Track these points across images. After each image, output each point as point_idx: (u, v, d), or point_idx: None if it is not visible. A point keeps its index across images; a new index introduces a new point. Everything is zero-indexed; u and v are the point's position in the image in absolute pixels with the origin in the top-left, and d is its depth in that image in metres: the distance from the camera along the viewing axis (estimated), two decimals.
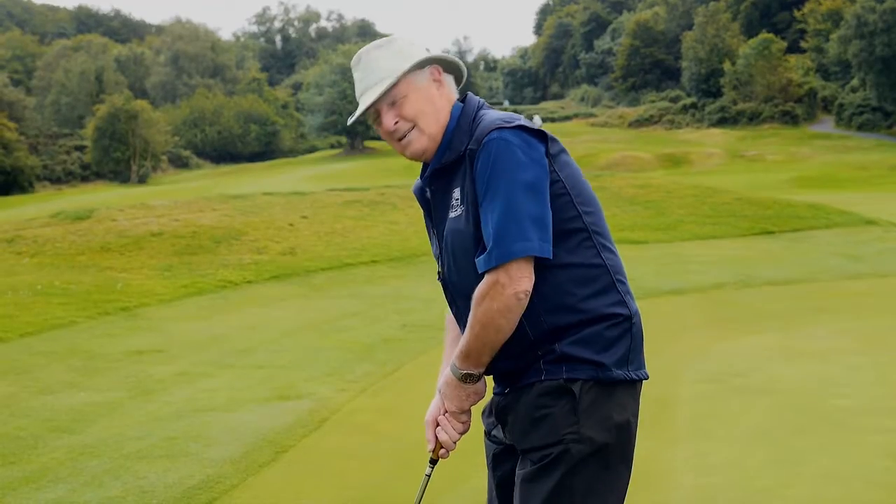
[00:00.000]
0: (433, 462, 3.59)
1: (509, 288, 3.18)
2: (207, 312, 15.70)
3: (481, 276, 3.25)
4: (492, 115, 3.42)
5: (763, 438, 7.50)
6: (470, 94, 3.57)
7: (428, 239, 3.80)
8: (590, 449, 3.23)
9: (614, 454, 3.30)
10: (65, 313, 14.77)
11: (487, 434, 3.66)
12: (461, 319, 3.55)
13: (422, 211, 3.77)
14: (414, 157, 3.49)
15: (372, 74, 3.42)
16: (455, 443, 3.54)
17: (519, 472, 3.38)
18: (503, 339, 3.27)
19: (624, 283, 3.44)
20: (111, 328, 14.22)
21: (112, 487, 6.98)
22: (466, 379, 3.37)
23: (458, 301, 3.51)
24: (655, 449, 7.17)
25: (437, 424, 3.56)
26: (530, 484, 3.30)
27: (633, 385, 3.41)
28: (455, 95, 3.56)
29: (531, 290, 3.23)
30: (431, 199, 3.53)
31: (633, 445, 3.40)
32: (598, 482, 3.28)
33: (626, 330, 3.37)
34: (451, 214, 3.40)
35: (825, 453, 7.01)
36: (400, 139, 3.45)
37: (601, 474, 3.29)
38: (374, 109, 3.44)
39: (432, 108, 3.45)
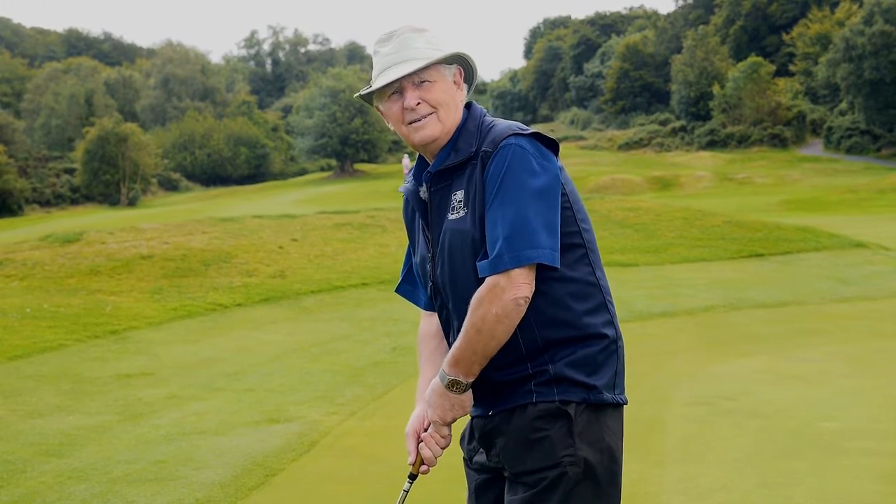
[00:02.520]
0: (412, 477, 3.54)
1: (509, 292, 3.18)
2: (197, 335, 15.67)
3: (479, 280, 3.25)
4: (504, 122, 3.45)
5: (752, 461, 7.50)
6: (474, 102, 3.60)
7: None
8: (584, 471, 3.24)
9: (606, 477, 3.31)
10: (54, 336, 14.73)
11: (468, 461, 3.62)
12: (448, 325, 3.55)
13: (403, 216, 3.77)
14: (421, 142, 3.46)
15: (405, 51, 3.41)
16: (437, 458, 3.52)
17: (510, 499, 3.36)
18: (497, 347, 3.26)
19: (612, 305, 3.47)
20: (100, 351, 14.19)
21: None
22: (453, 386, 3.33)
23: (450, 304, 3.48)
24: (645, 471, 7.17)
25: (420, 439, 3.53)
26: None
27: (619, 409, 3.43)
28: (465, 102, 3.58)
29: (530, 298, 3.23)
30: (429, 199, 3.50)
31: (621, 468, 3.41)
32: None
33: (613, 353, 3.39)
34: (451, 216, 3.39)
35: (815, 477, 7.01)
36: (412, 122, 3.43)
37: (595, 498, 3.29)
38: (398, 85, 3.42)
39: (453, 102, 3.47)
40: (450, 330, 3.54)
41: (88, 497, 7.28)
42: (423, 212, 3.56)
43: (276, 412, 10.09)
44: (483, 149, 3.34)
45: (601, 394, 3.32)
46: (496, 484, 3.49)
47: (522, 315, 3.24)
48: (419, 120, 3.42)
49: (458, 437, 3.68)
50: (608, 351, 3.37)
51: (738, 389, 10.26)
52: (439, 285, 3.50)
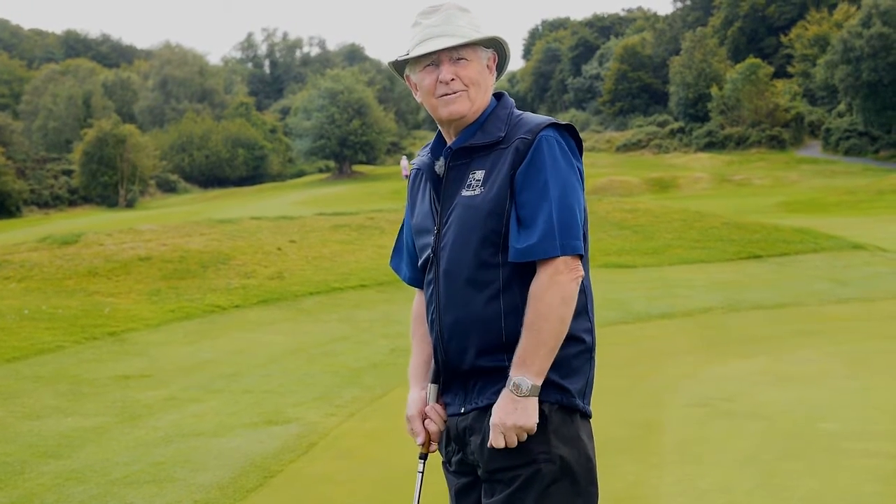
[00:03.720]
0: (423, 457, 3.55)
1: (569, 274, 3.25)
2: (195, 337, 15.66)
3: (480, 257, 3.33)
4: (535, 115, 3.51)
5: (751, 463, 7.49)
6: (505, 93, 3.64)
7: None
8: (560, 469, 3.25)
9: (584, 475, 3.32)
10: (52, 338, 14.73)
11: (447, 464, 3.62)
12: (431, 300, 3.53)
13: (408, 189, 3.80)
14: (448, 117, 3.48)
15: (448, 26, 3.46)
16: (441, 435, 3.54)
17: (487, 502, 3.37)
18: (565, 332, 3.27)
19: (592, 313, 3.51)
20: (98, 353, 14.18)
21: None
22: (535, 391, 3.27)
23: (441, 279, 3.47)
24: (643, 473, 7.17)
25: (425, 416, 3.54)
26: None
27: (586, 418, 3.44)
28: (493, 88, 3.63)
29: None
30: (445, 174, 3.52)
31: (596, 470, 3.41)
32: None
33: (588, 360, 3.43)
34: (466, 192, 3.42)
35: (813, 478, 7.01)
36: (444, 95, 3.46)
37: (575, 496, 3.30)
38: (436, 57, 3.46)
39: (484, 84, 3.52)
40: (433, 305, 3.53)
41: (87, 499, 7.27)
42: (435, 185, 3.57)
43: (274, 414, 10.08)
44: (520, 136, 3.38)
45: (573, 398, 3.35)
46: (476, 488, 3.49)
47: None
48: (450, 95, 3.45)
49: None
50: (583, 357, 3.40)
51: (737, 391, 10.26)
52: (438, 257, 3.50)
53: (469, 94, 3.46)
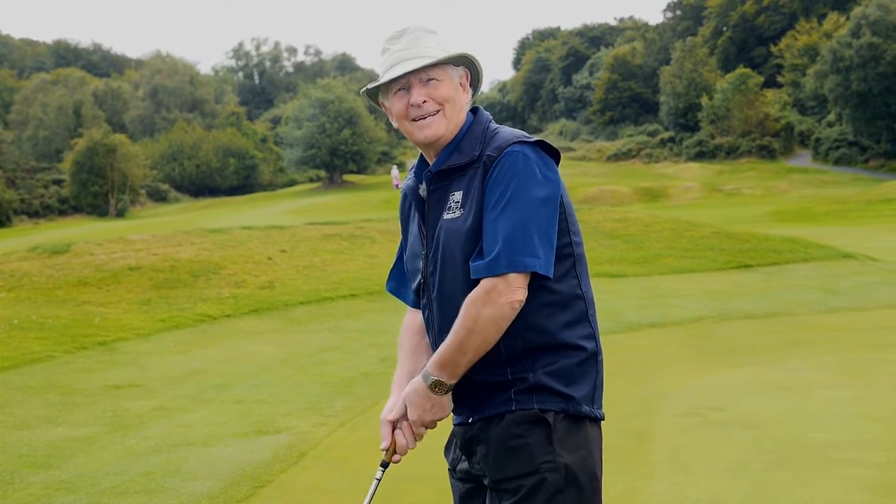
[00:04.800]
0: (384, 465, 3.52)
1: (506, 296, 3.21)
2: (185, 347, 15.63)
3: (468, 281, 3.29)
4: (509, 129, 3.48)
5: (741, 472, 7.50)
6: (480, 107, 3.63)
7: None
8: (565, 479, 3.25)
9: (588, 485, 3.32)
10: (42, 348, 14.69)
11: (452, 470, 3.64)
12: (429, 324, 3.55)
13: (400, 212, 3.79)
14: (425, 140, 3.48)
15: (415, 49, 3.45)
16: (409, 450, 3.52)
17: None
18: (486, 349, 3.28)
19: (595, 318, 3.50)
20: (88, 363, 14.15)
21: None
22: (436, 387, 3.34)
23: (435, 303, 3.49)
24: (634, 483, 7.18)
25: (395, 426, 3.53)
26: None
27: (597, 423, 3.45)
28: (469, 105, 3.61)
29: (523, 303, 3.25)
30: (427, 197, 3.52)
31: (601, 480, 3.41)
32: None
33: (593, 365, 3.43)
34: (447, 216, 3.41)
35: (803, 487, 7.01)
36: (417, 119, 3.46)
37: None
38: (405, 81, 3.46)
39: (458, 103, 3.50)
40: (430, 329, 3.56)
41: None
42: (420, 209, 3.58)
43: (264, 423, 10.07)
44: (487, 153, 3.37)
45: (579, 405, 3.35)
46: (481, 494, 3.50)
47: (512, 321, 3.26)
48: (424, 118, 3.45)
49: (443, 448, 3.69)
50: (587, 364, 3.40)
51: (727, 400, 10.28)
52: (429, 283, 3.52)
53: (444, 114, 3.45)
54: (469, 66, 3.57)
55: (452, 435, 3.60)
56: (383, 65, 3.52)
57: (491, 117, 3.60)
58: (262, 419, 10.29)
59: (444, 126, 3.45)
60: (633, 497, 6.85)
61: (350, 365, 13.76)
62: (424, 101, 3.43)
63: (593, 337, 3.44)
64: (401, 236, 3.84)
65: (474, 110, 3.61)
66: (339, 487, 7.73)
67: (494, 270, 3.20)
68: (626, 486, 7.00)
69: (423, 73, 3.43)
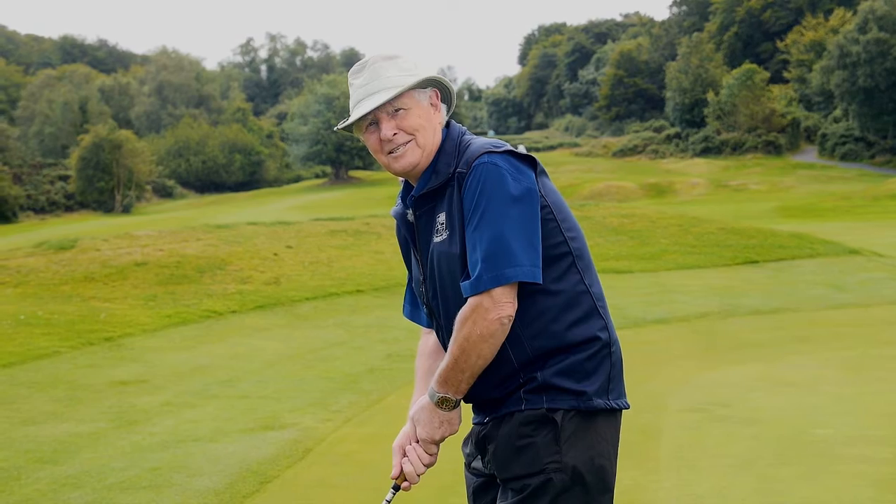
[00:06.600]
0: (396, 488, 3.54)
1: (493, 312, 3.19)
2: (191, 342, 15.64)
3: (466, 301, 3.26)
4: (479, 141, 3.44)
5: (747, 468, 7.50)
6: (452, 121, 3.60)
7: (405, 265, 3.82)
8: (571, 478, 3.24)
9: (596, 484, 3.30)
10: (48, 343, 14.70)
11: (467, 466, 3.65)
12: (445, 345, 3.53)
13: (397, 237, 3.78)
14: (402, 171, 3.48)
15: (377, 82, 3.42)
16: (419, 476, 3.52)
17: None
18: (483, 365, 3.27)
19: (605, 310, 3.47)
20: (94, 358, 14.16)
21: None
22: (442, 404, 3.35)
23: (445, 326, 3.48)
24: (640, 479, 7.17)
25: (405, 454, 3.54)
26: None
27: (614, 414, 3.42)
28: (444, 122, 3.58)
29: (514, 315, 3.24)
30: (415, 223, 3.52)
31: (614, 475, 3.41)
32: None
33: (606, 357, 3.38)
34: (437, 239, 3.40)
35: (809, 483, 7.01)
36: (391, 151, 3.44)
37: None
38: (373, 116, 3.44)
39: (430, 126, 3.47)
40: (446, 349, 3.54)
41: None
42: (411, 235, 3.59)
43: (270, 419, 10.07)
44: (458, 170, 3.36)
45: (591, 400, 3.32)
46: (492, 487, 3.50)
47: (507, 333, 3.26)
48: (397, 149, 3.44)
49: (461, 442, 3.71)
50: (599, 356, 3.36)
51: (733, 396, 10.27)
52: (432, 306, 3.54)
53: (417, 142, 3.43)
54: (436, 83, 3.54)
55: (471, 431, 3.61)
56: (351, 101, 3.51)
57: (464, 129, 3.57)
58: (267, 415, 10.29)
59: (418, 154, 3.44)
60: (639, 493, 6.85)
61: (356, 360, 13.75)
62: (395, 134, 3.41)
63: (605, 328, 3.41)
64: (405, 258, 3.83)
65: (448, 124, 3.58)
66: (345, 483, 7.73)
67: (478, 288, 3.19)
68: (632, 482, 7.00)
69: (389, 106, 3.40)
